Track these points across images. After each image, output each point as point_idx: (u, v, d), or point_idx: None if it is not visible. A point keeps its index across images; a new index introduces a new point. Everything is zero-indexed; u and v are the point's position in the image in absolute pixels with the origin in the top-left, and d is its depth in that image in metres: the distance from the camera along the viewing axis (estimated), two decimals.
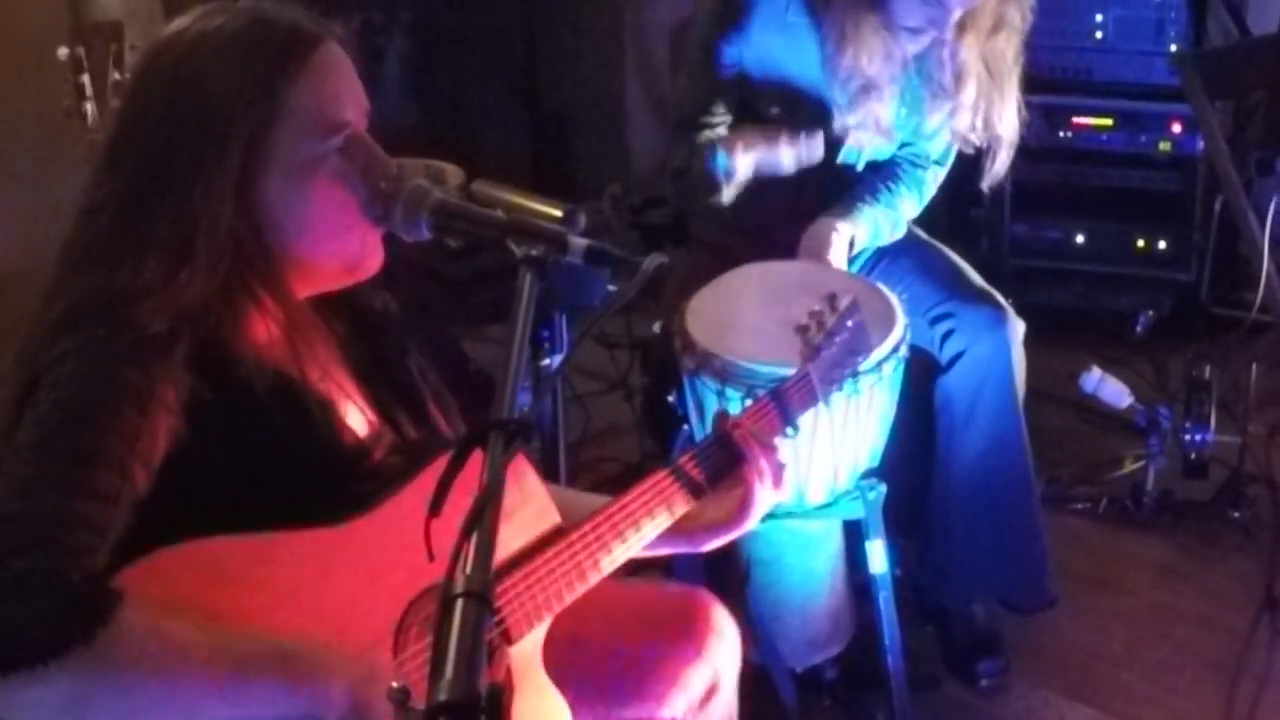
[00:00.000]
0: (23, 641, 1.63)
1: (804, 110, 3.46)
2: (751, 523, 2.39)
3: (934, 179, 3.67)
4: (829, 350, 2.61)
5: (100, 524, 1.76)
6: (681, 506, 2.32)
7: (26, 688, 1.64)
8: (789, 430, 2.50)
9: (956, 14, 3.27)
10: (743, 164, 3.24)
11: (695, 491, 2.33)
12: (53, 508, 1.74)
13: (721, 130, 3.54)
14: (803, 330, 2.65)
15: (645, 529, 2.27)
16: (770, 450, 2.38)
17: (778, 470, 2.37)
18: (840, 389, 2.71)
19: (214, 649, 1.78)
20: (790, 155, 3.22)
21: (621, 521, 2.24)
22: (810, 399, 2.56)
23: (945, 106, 3.46)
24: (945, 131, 3.53)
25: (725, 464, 2.36)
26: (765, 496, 2.36)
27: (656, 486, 2.30)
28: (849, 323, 2.66)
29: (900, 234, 3.62)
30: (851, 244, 3.43)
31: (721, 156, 3.22)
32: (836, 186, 3.55)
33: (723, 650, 2.50)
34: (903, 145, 3.63)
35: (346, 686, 1.86)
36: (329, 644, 1.91)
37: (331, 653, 1.89)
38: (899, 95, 3.46)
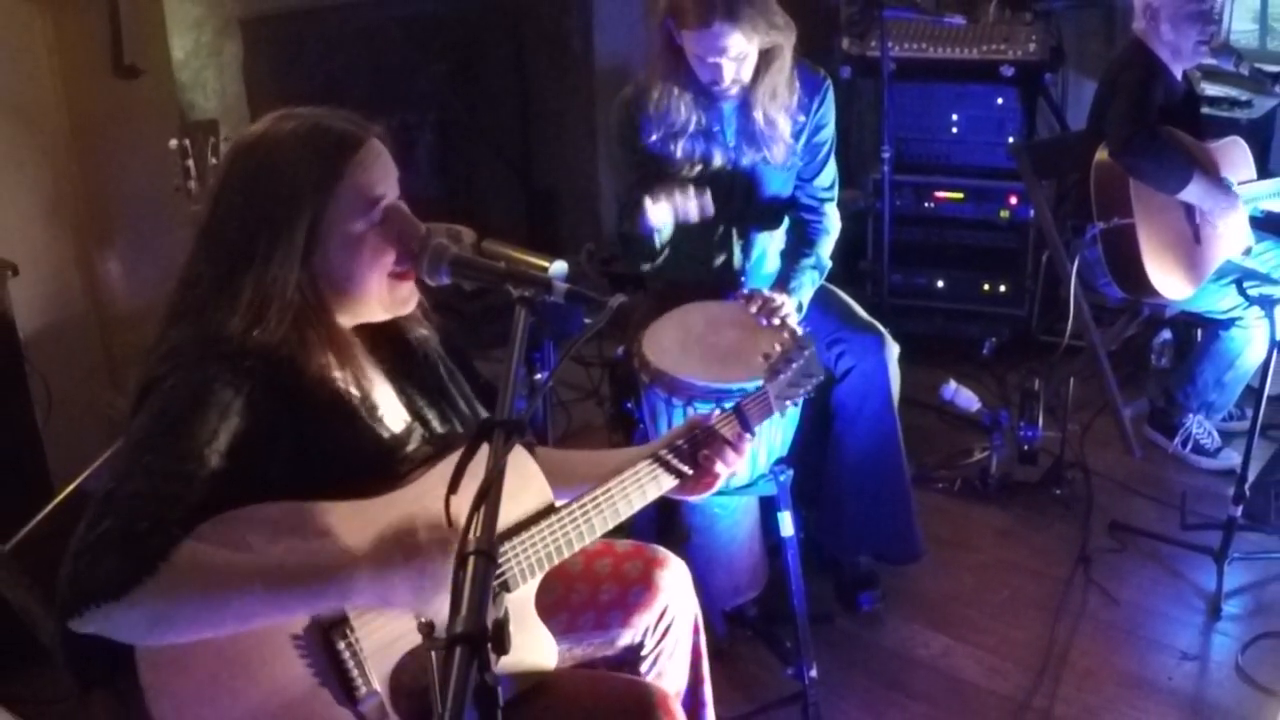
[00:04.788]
0: (107, 580, 1.72)
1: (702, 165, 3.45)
2: (710, 494, 2.42)
3: (833, 211, 3.60)
4: (786, 374, 2.61)
5: (176, 495, 1.82)
6: (656, 492, 2.34)
7: (118, 614, 1.73)
8: (749, 435, 2.48)
9: (728, 68, 3.21)
10: (658, 213, 3.22)
11: (678, 476, 2.36)
12: (141, 487, 1.80)
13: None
14: (767, 356, 2.65)
15: (623, 508, 2.28)
16: (746, 443, 2.43)
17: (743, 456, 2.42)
18: (796, 404, 2.71)
19: (255, 568, 1.84)
20: (693, 205, 3.21)
21: (605, 502, 2.25)
22: (767, 411, 2.54)
23: (774, 143, 3.40)
24: (792, 158, 3.47)
25: (695, 456, 2.37)
26: (728, 474, 2.41)
27: (639, 474, 2.31)
28: (805, 353, 2.66)
29: (827, 269, 3.56)
30: (800, 306, 3.40)
31: (645, 213, 3.19)
32: (746, 234, 3.55)
33: (672, 585, 2.50)
34: (798, 187, 3.57)
35: (366, 576, 1.89)
36: (349, 550, 1.94)
37: (351, 554, 1.92)
38: (738, 138, 3.42)
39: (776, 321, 3.17)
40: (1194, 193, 4.11)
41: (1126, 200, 4.17)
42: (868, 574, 3.74)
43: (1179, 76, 4.29)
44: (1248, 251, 4.32)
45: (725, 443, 2.39)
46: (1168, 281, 4.21)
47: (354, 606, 1.93)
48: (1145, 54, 4.25)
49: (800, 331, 2.80)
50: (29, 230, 3.81)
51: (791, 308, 3.26)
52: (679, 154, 3.39)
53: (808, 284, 3.46)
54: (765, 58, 3.28)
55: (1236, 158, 4.36)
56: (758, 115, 3.34)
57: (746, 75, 3.27)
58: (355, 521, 1.98)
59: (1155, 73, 4.21)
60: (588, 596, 2.45)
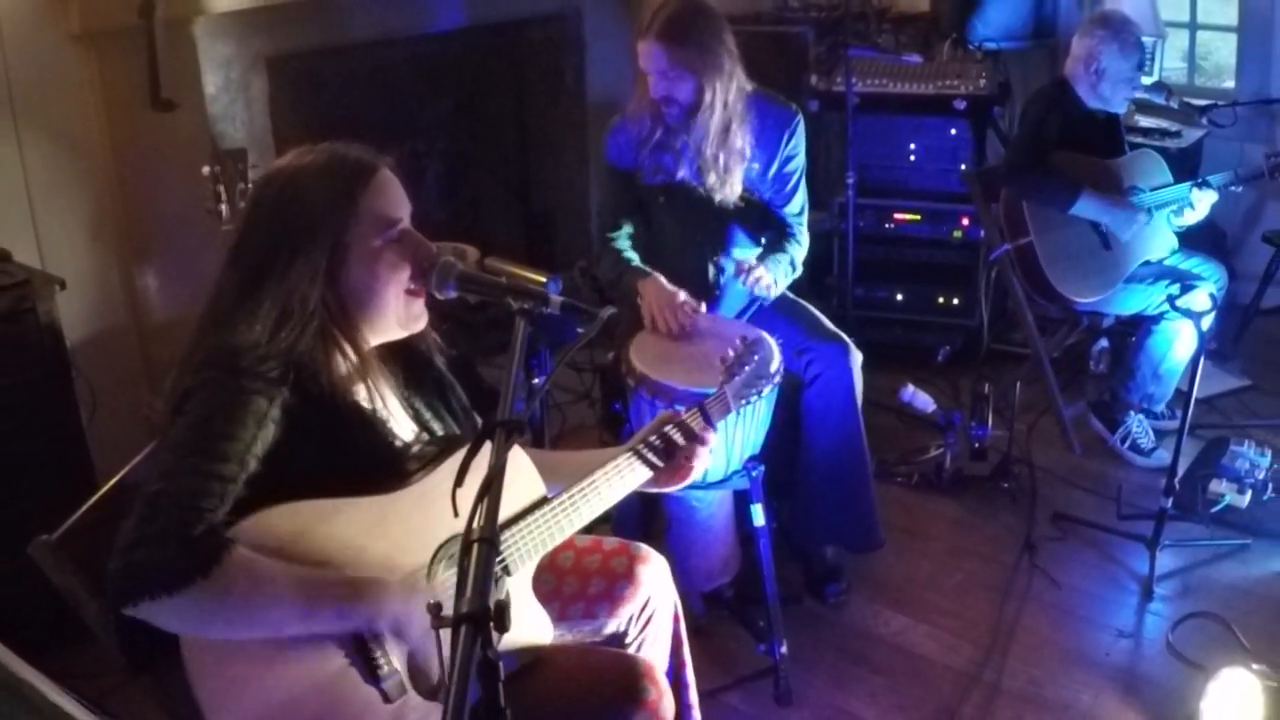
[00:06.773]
0: (163, 576, 1.73)
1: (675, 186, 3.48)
2: (686, 484, 2.47)
3: (802, 229, 3.61)
4: (740, 375, 2.63)
5: (221, 496, 1.83)
6: (635, 482, 2.37)
7: (169, 604, 1.74)
8: (712, 430, 2.50)
9: (657, 82, 3.28)
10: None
11: (653, 468, 2.40)
12: (188, 486, 1.81)
13: (624, 239, 3.57)
14: (723, 360, 2.67)
15: (608, 496, 2.32)
16: (710, 436, 2.46)
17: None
18: (749, 404, 2.73)
19: (296, 582, 1.85)
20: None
21: (591, 492, 2.28)
22: (725, 409, 2.57)
23: (733, 161, 3.41)
24: (758, 192, 3.52)
25: (668, 449, 2.41)
26: (701, 466, 2.45)
27: (619, 465, 2.34)
28: (756, 357, 2.69)
29: (797, 274, 3.58)
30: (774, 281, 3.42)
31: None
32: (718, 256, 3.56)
33: (653, 579, 2.52)
34: (772, 212, 3.58)
35: (390, 609, 1.91)
36: (377, 579, 1.95)
37: (380, 584, 1.93)
38: (702, 155, 3.41)
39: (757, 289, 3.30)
40: (1085, 209, 4.25)
41: (1023, 220, 4.33)
42: (834, 568, 3.74)
43: (1090, 105, 4.36)
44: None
45: (692, 437, 2.43)
46: (1075, 288, 4.34)
47: (376, 631, 1.95)
48: (1058, 89, 4.39)
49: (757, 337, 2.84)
50: (75, 248, 3.81)
51: (765, 273, 3.34)
52: (646, 163, 3.46)
53: (781, 274, 3.48)
54: (701, 94, 3.31)
55: (1148, 167, 4.46)
56: (705, 149, 3.37)
57: (680, 96, 3.31)
58: (375, 515, 2.00)
59: (1059, 106, 4.33)
60: (578, 589, 2.46)
